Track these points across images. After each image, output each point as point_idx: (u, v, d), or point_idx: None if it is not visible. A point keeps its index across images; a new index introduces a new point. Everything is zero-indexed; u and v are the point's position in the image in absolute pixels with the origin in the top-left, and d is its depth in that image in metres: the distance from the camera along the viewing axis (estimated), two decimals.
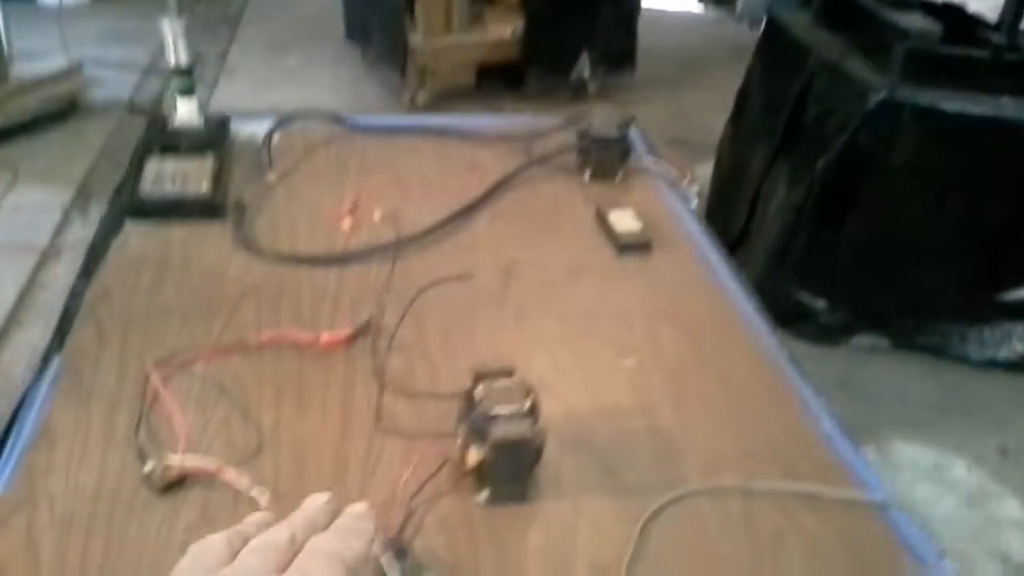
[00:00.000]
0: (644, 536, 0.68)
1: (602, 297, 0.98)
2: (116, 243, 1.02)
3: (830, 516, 0.71)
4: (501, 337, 0.91)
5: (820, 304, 2.19)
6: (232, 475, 0.70)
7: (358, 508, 0.45)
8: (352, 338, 0.88)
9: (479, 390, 0.72)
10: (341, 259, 1.02)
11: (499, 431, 0.69)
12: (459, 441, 0.73)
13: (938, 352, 2.19)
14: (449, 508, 0.70)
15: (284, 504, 0.69)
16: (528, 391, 0.72)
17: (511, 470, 0.70)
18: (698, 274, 1.04)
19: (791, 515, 0.71)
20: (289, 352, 0.86)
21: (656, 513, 0.70)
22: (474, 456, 0.71)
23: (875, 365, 2.16)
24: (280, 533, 0.43)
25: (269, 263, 1.01)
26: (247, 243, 1.03)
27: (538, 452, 0.71)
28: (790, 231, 2.12)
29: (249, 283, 0.97)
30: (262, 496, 0.69)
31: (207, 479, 0.71)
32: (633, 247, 1.07)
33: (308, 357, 0.86)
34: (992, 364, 2.14)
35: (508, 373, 0.75)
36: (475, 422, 0.70)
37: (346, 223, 1.10)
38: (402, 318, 0.77)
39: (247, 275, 0.99)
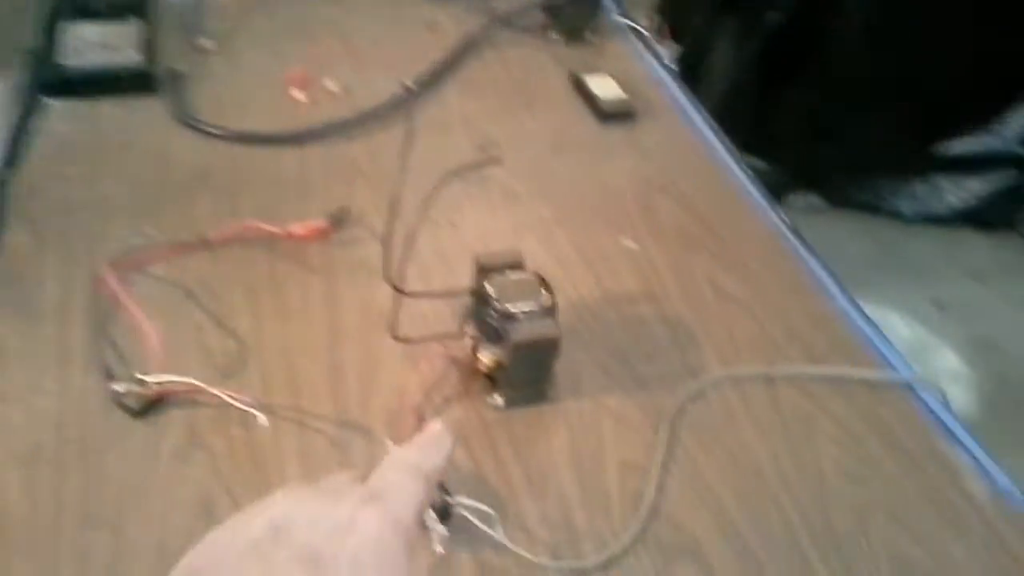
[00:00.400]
0: (673, 430, 0.64)
1: (591, 172, 0.91)
2: (38, 125, 0.89)
3: (855, 397, 0.68)
4: (492, 223, 0.83)
5: (760, 164, 2.16)
6: (221, 392, 0.63)
7: (436, 426, 0.44)
8: (328, 229, 0.80)
9: (490, 286, 0.65)
10: (300, 137, 0.92)
11: (520, 331, 0.62)
12: (468, 342, 0.66)
13: (872, 209, 2.21)
14: (463, 415, 0.65)
15: (281, 423, 0.63)
16: (544, 284, 0.66)
17: (531, 371, 0.65)
18: (687, 143, 0.97)
19: (816, 399, 0.68)
20: (257, 247, 0.77)
21: (682, 406, 0.66)
22: (489, 358, 0.65)
23: (811, 224, 2.16)
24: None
25: (218, 144, 0.90)
26: (190, 120, 0.92)
27: (557, 350, 0.65)
28: (735, 90, 2.07)
29: (199, 167, 0.86)
30: (259, 414, 0.62)
31: (187, 397, 0.64)
32: (616, 116, 0.99)
33: (280, 252, 0.77)
34: (925, 219, 2.17)
35: (517, 264, 0.68)
36: (491, 321, 0.64)
37: (299, 95, 0.99)
38: (392, 208, 0.68)
39: (195, 158, 0.88)
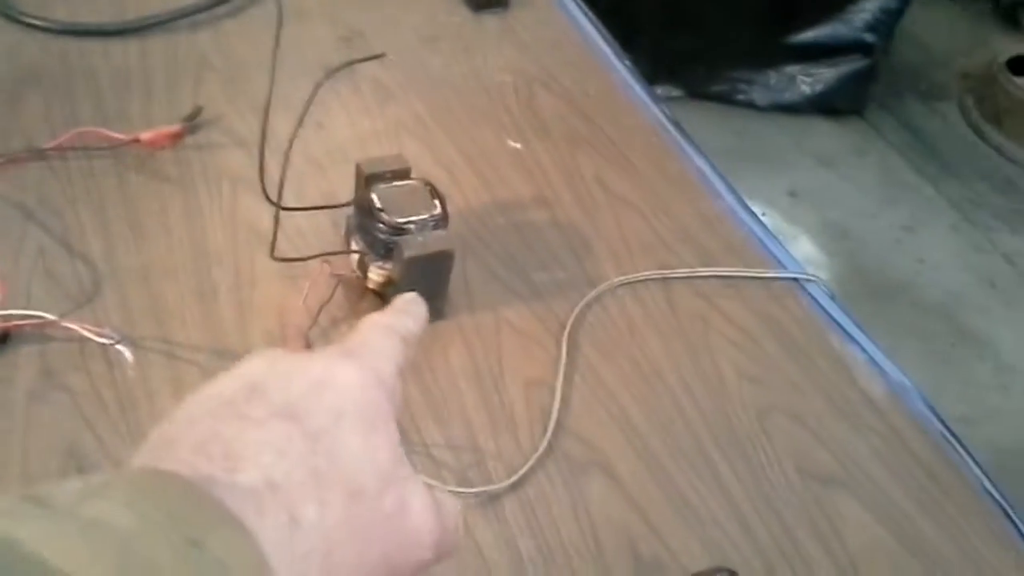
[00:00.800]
0: (572, 341, 0.62)
1: (467, 67, 0.86)
2: None
3: (748, 297, 0.68)
4: (365, 123, 0.77)
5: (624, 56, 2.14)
6: (76, 325, 0.55)
7: (408, 295, 0.42)
8: (181, 133, 0.71)
9: (375, 196, 0.60)
10: (140, 27, 0.81)
11: (412, 245, 0.58)
12: (354, 257, 0.61)
13: (728, 99, 2.24)
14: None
15: (148, 356, 0.57)
16: (434, 193, 0.62)
17: (425, 287, 0.60)
18: (564, 33, 0.93)
19: (712, 301, 0.67)
20: (102, 157, 0.68)
21: (580, 315, 0.64)
22: (378, 274, 0.60)
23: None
24: None
25: (45, 38, 0.79)
26: (6, 9, 0.79)
27: (452, 263, 0.61)
28: None
29: (24, 65, 0.75)
30: (122, 348, 0.55)
31: (37, 332, 0.56)
32: (489, 3, 0.93)
33: (128, 162, 0.69)
34: (778, 108, 2.23)
35: (403, 171, 0.63)
36: (379, 235, 0.59)
37: None
38: (267, 108, 0.60)
39: (18, 54, 0.76)
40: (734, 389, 0.61)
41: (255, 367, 0.32)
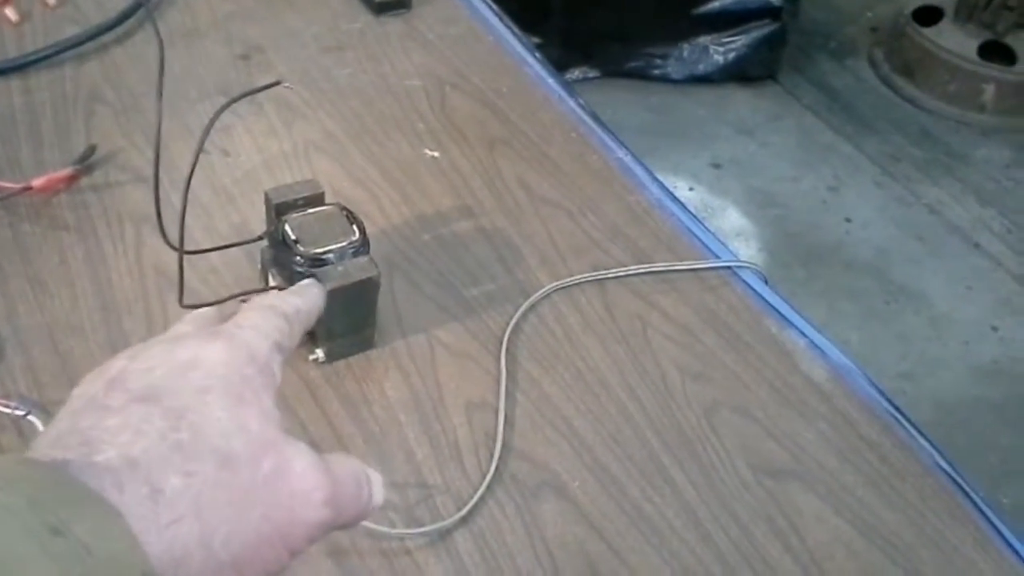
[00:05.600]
0: (511, 356, 0.60)
1: (373, 73, 0.83)
2: None
3: (685, 290, 0.67)
4: (272, 145, 0.73)
5: (534, 41, 2.12)
6: None
7: (305, 281, 0.44)
8: (75, 175, 0.67)
9: (288, 227, 0.57)
10: (21, 64, 0.76)
11: (332, 276, 0.55)
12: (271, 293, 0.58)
13: (644, 75, 2.24)
14: (282, 377, 0.57)
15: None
16: (351, 217, 0.59)
17: (352, 318, 0.58)
18: (470, 30, 0.90)
19: (648, 298, 0.66)
20: None
21: (516, 328, 0.62)
22: None
23: (588, 96, 2.17)
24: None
25: None
26: None
27: (377, 290, 0.58)
28: None
29: None
30: (34, 417, 0.52)
31: None
32: (391, 5, 0.90)
33: (21, 212, 0.64)
34: (693, 80, 2.23)
35: (316, 197, 0.60)
36: (297, 268, 0.56)
37: (10, 13, 0.82)
38: (157, 147, 0.55)
39: None
40: (678, 389, 0.60)
41: (116, 363, 0.33)
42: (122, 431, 0.30)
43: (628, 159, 0.78)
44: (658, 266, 0.68)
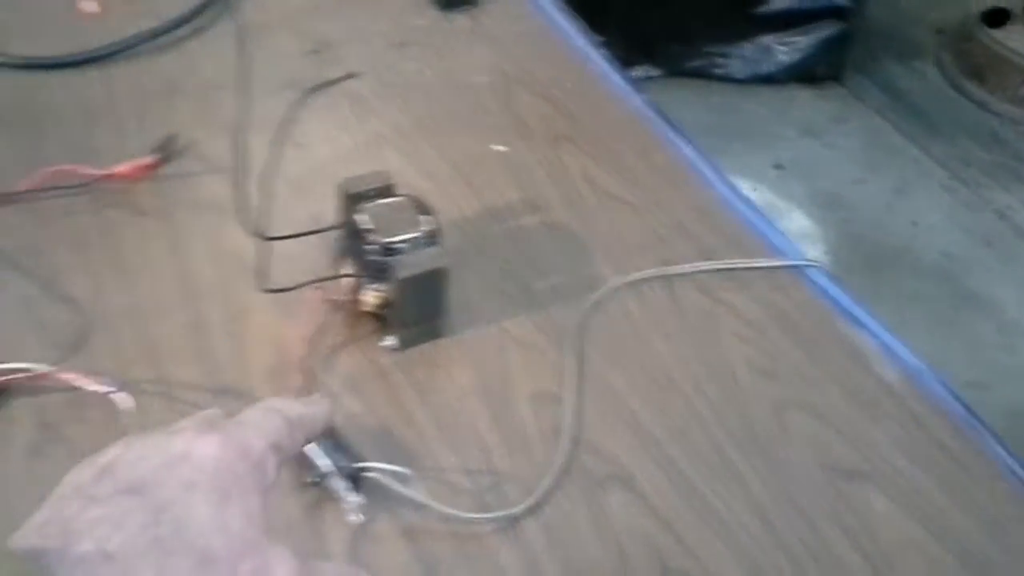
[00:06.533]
0: (578, 349, 0.61)
1: (441, 69, 0.83)
2: None
3: (753, 288, 0.66)
4: (344, 138, 0.75)
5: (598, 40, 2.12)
6: (69, 375, 0.53)
7: (315, 395, 0.45)
8: (156, 164, 0.69)
9: (362, 216, 0.58)
10: (102, 56, 0.79)
11: (406, 265, 0.56)
12: (347, 282, 0.59)
13: (706, 74, 2.22)
14: (354, 363, 0.59)
15: (145, 399, 0.55)
16: (422, 207, 0.60)
17: (423, 306, 0.59)
18: (536, 27, 0.91)
19: (715, 294, 0.66)
20: (77, 195, 0.66)
21: (583, 322, 0.63)
22: (373, 297, 0.58)
23: (649, 95, 2.16)
24: None
25: (5, 73, 0.76)
26: None
27: (447, 279, 0.59)
28: None
29: None
30: (119, 395, 0.53)
31: (30, 385, 0.54)
32: (457, 1, 0.91)
33: (105, 198, 0.66)
34: (756, 79, 2.21)
35: (387, 188, 0.61)
36: (371, 257, 0.57)
37: (89, 6, 0.85)
38: (238, 138, 0.56)
39: None
40: (747, 386, 0.60)
41: (110, 452, 0.33)
42: (102, 523, 0.30)
43: (694, 156, 0.78)
44: (726, 263, 0.67)
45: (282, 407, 0.38)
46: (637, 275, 0.66)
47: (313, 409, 0.39)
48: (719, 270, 0.67)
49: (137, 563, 0.29)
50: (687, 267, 0.67)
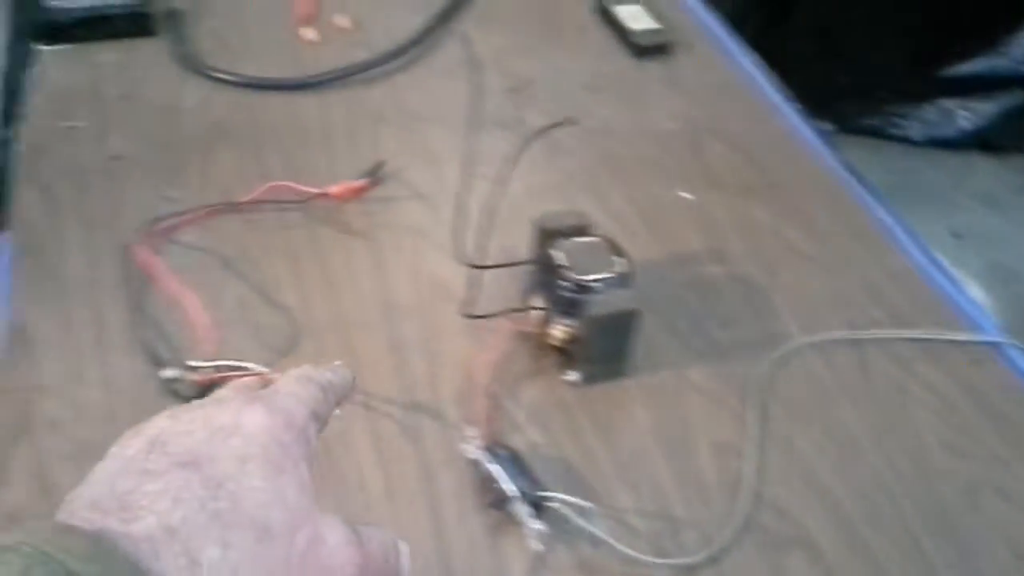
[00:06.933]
0: (761, 404, 0.60)
1: (632, 114, 0.85)
2: (33, 77, 0.81)
3: (945, 361, 0.64)
4: (535, 176, 0.77)
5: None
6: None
7: (336, 362, 0.43)
8: (365, 187, 0.73)
9: (558, 252, 0.60)
10: (319, 83, 0.85)
11: (598, 304, 0.58)
12: (536, 314, 0.61)
13: (881, 134, 2.16)
14: (538, 394, 0.60)
15: (346, 409, 0.58)
16: (617, 249, 0.61)
17: (610, 346, 0.60)
18: (728, 78, 0.91)
19: (906, 364, 0.64)
20: (292, 210, 0.71)
21: (767, 377, 0.62)
22: (562, 332, 0.60)
23: None
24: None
25: (230, 91, 0.83)
26: (197, 66, 0.84)
27: (637, 322, 0.60)
28: (742, 9, 1.98)
29: (213, 119, 0.79)
30: None
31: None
32: (651, 49, 0.93)
33: (317, 215, 0.71)
34: (933, 143, 2.13)
35: (584, 227, 0.63)
36: (563, 293, 0.59)
37: (309, 33, 0.91)
38: (462, 171, 0.59)
39: (208, 108, 0.81)
40: (939, 462, 0.58)
41: (157, 423, 0.33)
42: (161, 498, 0.30)
43: (888, 218, 0.76)
44: (920, 332, 0.66)
45: (313, 374, 0.39)
46: (825, 335, 0.65)
47: (339, 376, 0.40)
48: (913, 340, 0.65)
49: (200, 537, 0.29)
50: (879, 333, 0.65)
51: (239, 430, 0.33)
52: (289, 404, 0.35)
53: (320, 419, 0.37)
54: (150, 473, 0.30)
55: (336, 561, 0.33)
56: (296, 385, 0.37)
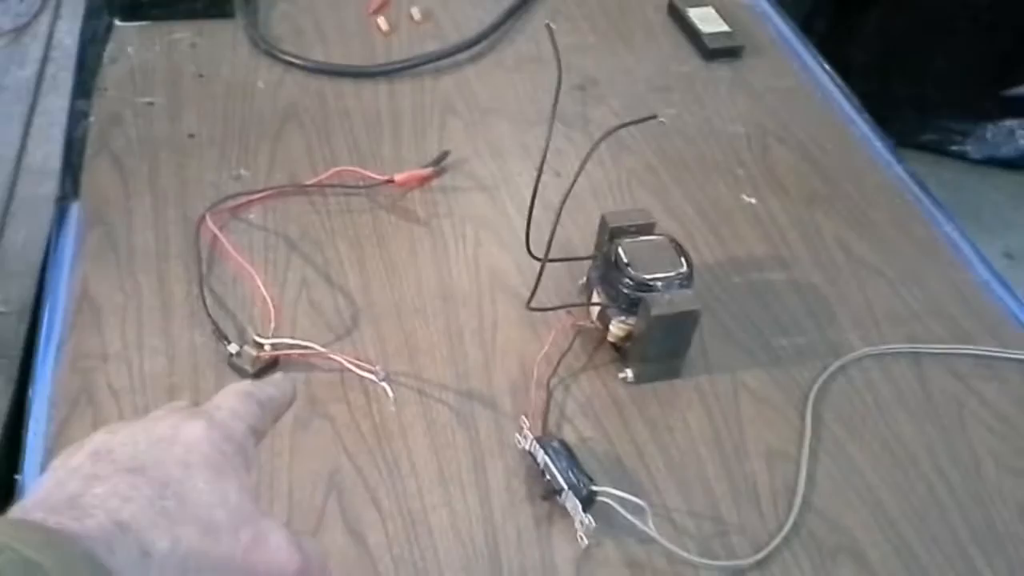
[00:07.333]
0: (816, 413, 0.60)
1: (699, 116, 0.85)
2: (110, 52, 0.83)
3: (1008, 380, 0.63)
4: (598, 172, 0.77)
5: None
6: (346, 359, 0.58)
7: (278, 374, 0.46)
8: (430, 176, 0.74)
9: (622, 250, 0.60)
10: (389, 71, 0.85)
11: (659, 303, 0.58)
12: (595, 309, 0.62)
13: (938, 150, 2.12)
14: (591, 389, 0.61)
15: (401, 391, 0.59)
16: (679, 250, 0.61)
17: (667, 345, 0.60)
18: (798, 83, 0.90)
19: (966, 380, 0.63)
20: (357, 195, 0.72)
21: (824, 386, 0.62)
22: (620, 328, 0.60)
23: None
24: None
25: (302, 75, 0.84)
26: (271, 50, 0.85)
27: (696, 323, 0.60)
28: (807, 16, 1.96)
29: (285, 101, 0.81)
30: (388, 388, 0.57)
31: (302, 360, 0.60)
32: (722, 52, 0.92)
33: (381, 201, 0.72)
34: (991, 162, 2.08)
35: (648, 226, 0.63)
36: (624, 290, 0.59)
37: (382, 23, 0.92)
38: (541, 167, 0.60)
39: (280, 91, 0.82)
40: (993, 480, 0.57)
41: (96, 438, 0.35)
42: (111, 497, 0.31)
43: (954, 233, 0.75)
44: (981, 349, 0.65)
45: (253, 390, 0.40)
46: (885, 347, 0.64)
47: (280, 390, 0.41)
48: (973, 355, 0.64)
49: (150, 531, 0.31)
50: (939, 347, 0.65)
51: (180, 440, 0.35)
52: (227, 419, 0.37)
53: (258, 433, 0.39)
54: (98, 477, 0.32)
55: (279, 558, 0.34)
56: (235, 400, 0.39)
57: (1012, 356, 0.65)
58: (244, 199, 0.70)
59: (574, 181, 0.55)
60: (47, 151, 0.77)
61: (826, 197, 0.77)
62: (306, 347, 0.58)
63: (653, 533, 0.51)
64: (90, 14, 0.88)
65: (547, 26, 0.67)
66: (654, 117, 0.58)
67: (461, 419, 0.58)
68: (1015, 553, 0.54)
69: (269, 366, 0.58)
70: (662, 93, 0.87)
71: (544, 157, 0.55)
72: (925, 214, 0.77)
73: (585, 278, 0.64)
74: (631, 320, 0.60)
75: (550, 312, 0.64)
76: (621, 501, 0.52)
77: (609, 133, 0.56)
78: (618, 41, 0.93)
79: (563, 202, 0.55)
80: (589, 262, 0.64)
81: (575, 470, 0.53)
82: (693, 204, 0.76)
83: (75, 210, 0.68)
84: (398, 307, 0.64)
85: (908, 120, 2.12)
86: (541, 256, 0.59)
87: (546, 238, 0.68)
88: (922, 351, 0.64)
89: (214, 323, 0.60)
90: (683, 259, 0.60)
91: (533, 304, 0.61)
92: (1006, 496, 0.56)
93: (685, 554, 0.51)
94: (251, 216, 0.69)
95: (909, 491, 0.56)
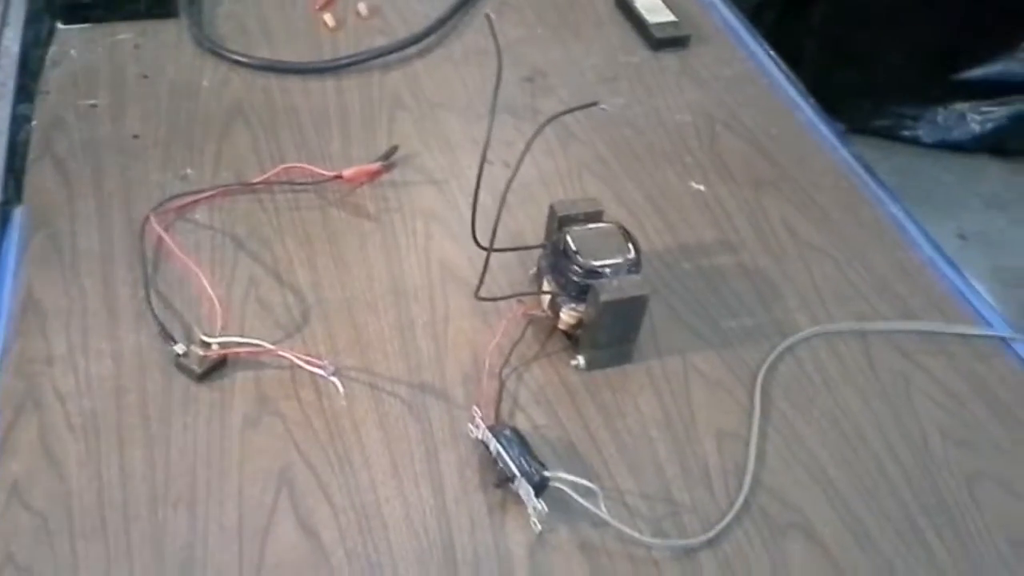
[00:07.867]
0: (765, 393, 0.61)
1: (647, 105, 0.85)
2: (53, 55, 0.82)
3: (951, 354, 0.65)
4: (548, 163, 0.78)
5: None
6: (295, 356, 0.58)
7: None
8: (379, 171, 0.74)
9: (570, 238, 0.61)
10: (336, 67, 0.85)
11: (608, 289, 0.58)
12: (546, 298, 0.62)
13: (891, 135, 2.15)
14: (543, 377, 0.61)
15: (352, 385, 0.59)
16: (627, 237, 0.62)
17: (617, 331, 0.61)
18: (745, 70, 0.91)
19: (912, 356, 0.64)
20: (305, 191, 0.72)
21: (772, 366, 0.63)
22: (571, 316, 0.61)
23: None
24: None
25: (247, 73, 0.83)
26: (216, 48, 0.85)
27: (645, 308, 0.61)
28: (756, 8, 1.98)
29: (231, 100, 0.80)
30: (338, 383, 0.57)
31: (251, 359, 0.59)
32: (669, 42, 0.93)
33: (330, 197, 0.72)
34: (943, 146, 2.12)
35: (596, 214, 0.64)
36: (573, 278, 0.59)
37: (328, 19, 0.91)
38: (483, 159, 0.60)
39: (225, 89, 0.81)
40: (940, 453, 0.58)
41: None
42: None
43: (901, 215, 0.77)
44: (926, 325, 0.66)
45: None
46: (832, 327, 0.65)
47: None
48: (919, 332, 0.65)
49: None
50: (885, 325, 0.66)
51: None
52: None
53: None
54: None
55: None
56: None
57: (957, 331, 0.66)
58: (190, 199, 0.69)
59: (517, 167, 0.55)
60: None
61: (773, 182, 0.78)
62: (254, 345, 0.58)
63: (605, 516, 0.51)
64: (32, 18, 0.86)
65: (486, 16, 0.67)
66: (595, 104, 0.58)
67: (414, 411, 0.58)
68: (963, 524, 0.55)
69: (217, 365, 0.58)
70: (610, 83, 0.88)
71: (486, 146, 0.55)
72: (871, 196, 0.78)
73: (536, 268, 0.65)
74: (581, 307, 0.60)
75: (502, 303, 0.64)
76: (573, 486, 0.52)
77: (551, 120, 0.56)
78: (566, 32, 0.93)
79: (506, 188, 0.55)
80: (540, 252, 0.65)
81: (527, 457, 0.53)
82: (642, 192, 0.76)
83: (18, 214, 0.67)
84: (349, 303, 0.64)
85: (860, 107, 2.15)
86: (488, 247, 0.59)
87: (497, 230, 0.69)
88: (869, 329, 0.65)
89: (160, 324, 0.59)
90: (631, 245, 0.61)
91: (484, 294, 0.61)
92: (953, 468, 0.57)
93: (637, 535, 0.51)
94: (197, 216, 0.69)
95: (858, 467, 0.57)
